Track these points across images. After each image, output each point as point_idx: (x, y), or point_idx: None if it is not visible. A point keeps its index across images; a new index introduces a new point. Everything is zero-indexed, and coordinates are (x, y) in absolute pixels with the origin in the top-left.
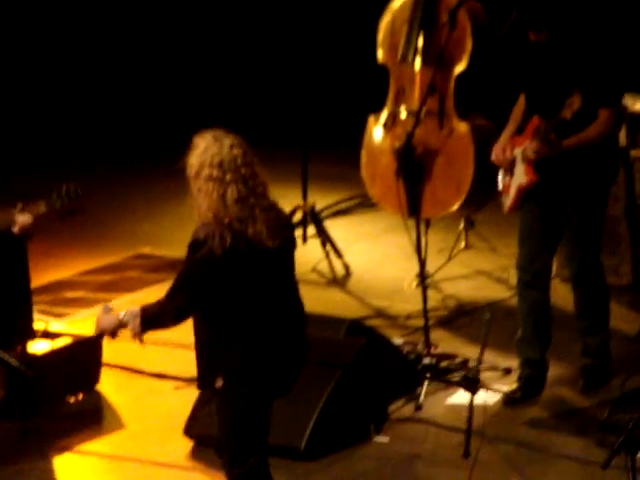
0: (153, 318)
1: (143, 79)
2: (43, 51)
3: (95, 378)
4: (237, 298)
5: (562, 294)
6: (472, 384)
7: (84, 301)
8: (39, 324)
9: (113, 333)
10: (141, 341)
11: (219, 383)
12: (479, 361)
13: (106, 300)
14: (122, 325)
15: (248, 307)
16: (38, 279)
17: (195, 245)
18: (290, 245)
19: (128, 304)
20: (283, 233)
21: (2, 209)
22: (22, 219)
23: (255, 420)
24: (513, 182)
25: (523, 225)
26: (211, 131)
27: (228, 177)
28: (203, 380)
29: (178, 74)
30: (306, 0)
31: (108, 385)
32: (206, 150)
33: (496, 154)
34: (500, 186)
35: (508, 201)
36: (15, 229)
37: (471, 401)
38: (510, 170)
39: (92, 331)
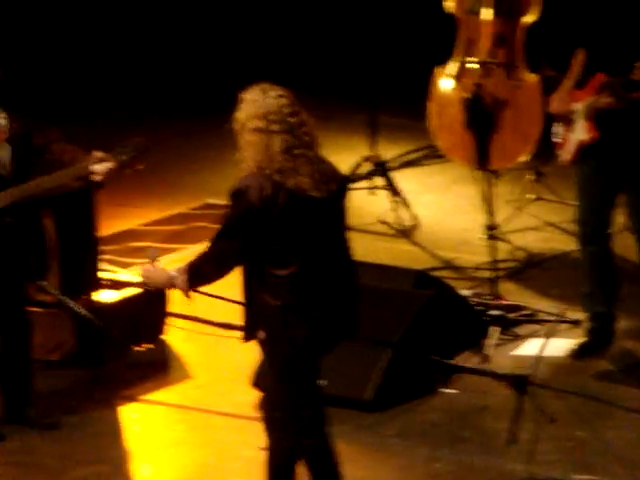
0: (198, 273)
1: (208, 28)
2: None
3: (161, 328)
4: (278, 248)
5: (631, 246)
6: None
7: (151, 250)
8: (106, 274)
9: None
10: (189, 297)
11: (261, 335)
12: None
13: (172, 250)
14: (172, 284)
15: (290, 258)
16: (106, 229)
17: (235, 195)
18: (339, 198)
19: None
20: (330, 185)
21: (85, 156)
22: (101, 167)
23: (300, 374)
24: (572, 137)
25: (581, 180)
26: (258, 85)
27: (274, 127)
28: (247, 332)
29: (241, 24)
30: None
31: (175, 335)
32: (252, 103)
33: (556, 106)
34: (557, 138)
35: (566, 155)
36: (94, 177)
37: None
38: (568, 124)
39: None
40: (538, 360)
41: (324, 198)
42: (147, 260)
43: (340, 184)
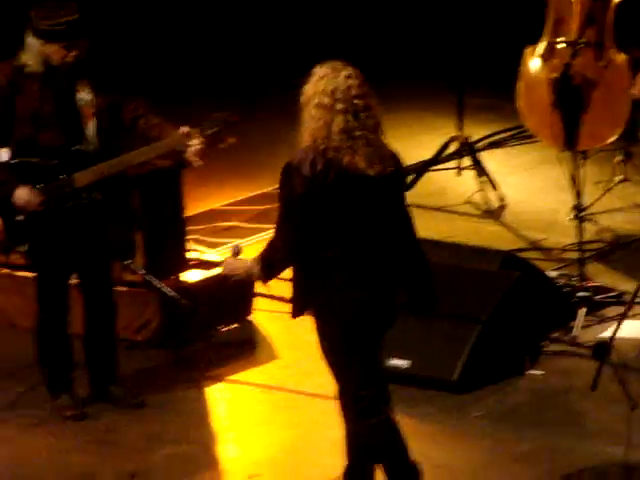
0: (270, 261)
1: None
2: None
3: (248, 308)
4: (328, 226)
5: None
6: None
7: (238, 230)
8: (193, 253)
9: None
10: (266, 285)
11: (310, 311)
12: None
13: (259, 230)
14: (250, 274)
15: (339, 236)
16: (192, 208)
17: (286, 169)
18: (395, 180)
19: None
20: (386, 166)
21: (173, 131)
22: (194, 146)
23: (353, 353)
24: None
25: None
26: (331, 61)
27: (339, 106)
28: (295, 309)
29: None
30: None
31: (261, 315)
32: (321, 78)
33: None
34: None
35: None
36: (189, 157)
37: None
38: None
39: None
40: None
41: (378, 177)
42: (230, 254)
43: (397, 169)
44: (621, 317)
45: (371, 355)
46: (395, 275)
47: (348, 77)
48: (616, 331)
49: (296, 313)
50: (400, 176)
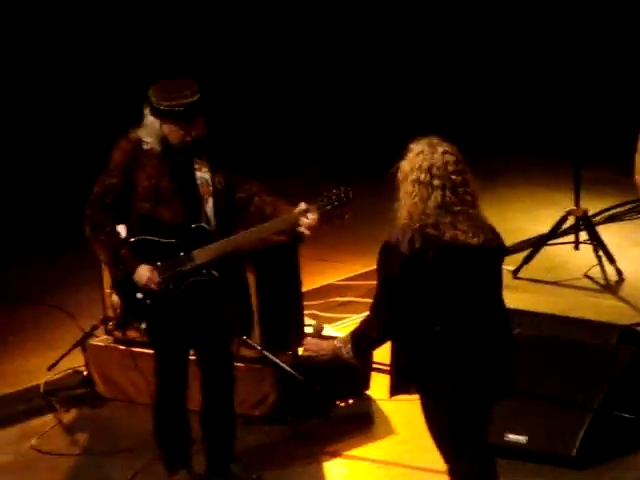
0: (364, 339)
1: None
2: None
3: (366, 382)
4: (430, 303)
5: None
6: None
7: (354, 305)
8: (310, 329)
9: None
10: (358, 365)
11: (411, 389)
12: None
13: None
14: (337, 354)
15: (443, 313)
16: (309, 283)
17: (385, 248)
18: (494, 253)
19: None
20: (488, 236)
21: (288, 208)
22: (308, 220)
23: (459, 429)
24: None
25: None
26: (427, 137)
27: (436, 182)
28: (394, 387)
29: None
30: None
31: (379, 390)
32: (418, 154)
33: None
34: None
35: None
36: (302, 229)
37: None
38: None
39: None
40: None
41: (480, 248)
42: (312, 332)
43: (498, 242)
44: None
45: (479, 431)
46: (500, 347)
47: (444, 153)
48: None
49: (394, 391)
50: (501, 249)
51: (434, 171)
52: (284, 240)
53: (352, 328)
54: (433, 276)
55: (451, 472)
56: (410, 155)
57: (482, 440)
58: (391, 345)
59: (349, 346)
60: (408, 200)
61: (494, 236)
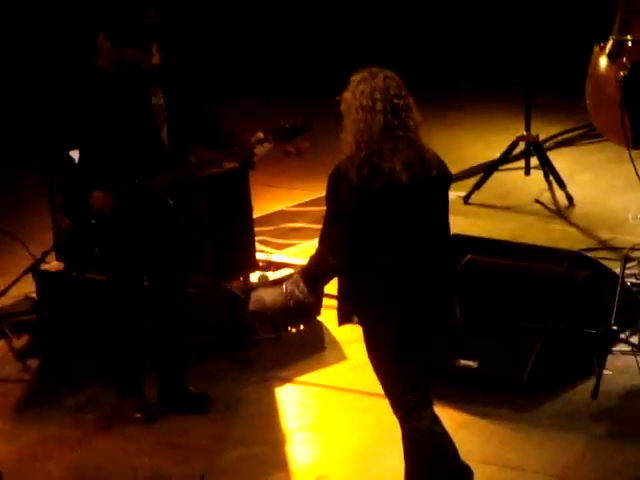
0: (315, 273)
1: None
2: None
3: (317, 309)
4: (375, 232)
5: None
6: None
7: (304, 231)
8: (260, 255)
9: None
10: (312, 301)
11: (355, 319)
12: None
13: None
14: (291, 297)
15: (387, 243)
16: (259, 209)
17: (333, 175)
18: (436, 184)
19: None
20: (428, 171)
21: (244, 139)
22: (264, 149)
23: (398, 359)
24: None
25: None
26: (367, 67)
27: (378, 106)
28: (341, 317)
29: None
30: None
31: (330, 316)
32: (360, 82)
33: None
34: None
35: None
36: (255, 158)
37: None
38: None
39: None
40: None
41: (419, 183)
42: (257, 283)
43: (441, 172)
44: None
45: (417, 362)
46: (443, 281)
47: (385, 78)
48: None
49: (342, 321)
50: (444, 179)
51: (376, 95)
52: (235, 167)
53: (298, 269)
54: (378, 205)
55: (388, 398)
56: (352, 85)
57: (420, 371)
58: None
59: (302, 285)
60: (353, 127)
61: (437, 165)
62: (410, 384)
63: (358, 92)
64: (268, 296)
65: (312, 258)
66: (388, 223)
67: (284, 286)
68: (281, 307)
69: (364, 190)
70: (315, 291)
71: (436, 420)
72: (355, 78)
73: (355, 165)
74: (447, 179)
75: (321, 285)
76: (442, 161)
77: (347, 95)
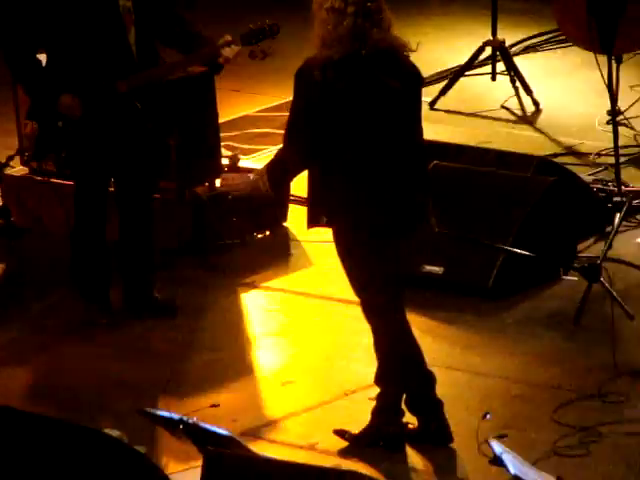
0: (278, 169)
1: None
2: None
3: (283, 215)
4: (340, 131)
5: None
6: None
7: (270, 136)
8: (227, 160)
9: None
10: (277, 196)
11: (323, 220)
12: None
13: None
14: (255, 187)
15: (346, 144)
16: (225, 114)
17: (298, 73)
18: (408, 88)
19: None
20: (393, 74)
21: (212, 42)
22: (230, 51)
23: (366, 260)
24: None
25: None
26: None
27: (350, 9)
28: (310, 218)
29: None
30: None
31: (296, 221)
32: None
33: None
34: None
35: None
36: (221, 60)
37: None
38: None
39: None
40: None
41: (386, 85)
42: (228, 163)
43: (411, 76)
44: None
45: (387, 264)
46: (415, 185)
47: None
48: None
49: (310, 223)
50: (414, 82)
51: None
52: (203, 70)
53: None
54: (342, 105)
55: (359, 298)
56: None
57: (388, 272)
58: (307, 176)
59: (265, 177)
60: (322, 28)
61: (408, 68)
62: (379, 286)
63: None
64: (236, 179)
65: (277, 153)
66: (352, 123)
67: (252, 175)
68: (246, 193)
69: (327, 89)
70: (277, 187)
71: (404, 325)
72: None
73: (320, 64)
74: (418, 82)
75: (283, 180)
76: (414, 64)
77: None
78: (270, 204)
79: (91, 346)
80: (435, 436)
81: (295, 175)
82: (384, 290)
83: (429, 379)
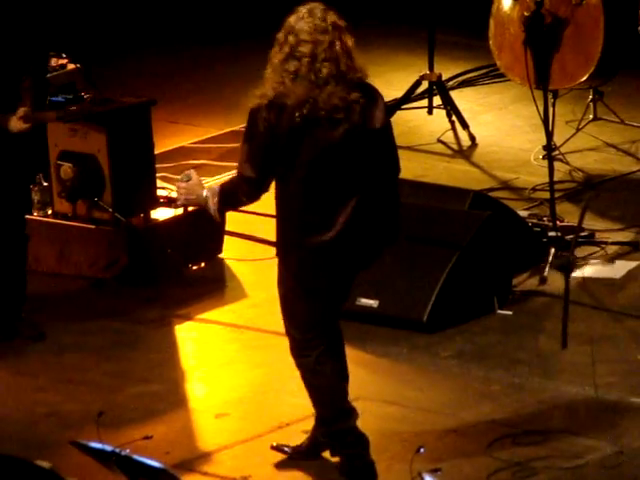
0: (230, 195)
1: None
2: None
3: (218, 247)
4: (292, 165)
5: None
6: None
7: (206, 168)
8: (161, 191)
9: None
10: (218, 219)
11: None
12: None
13: (228, 168)
14: (204, 202)
15: (295, 182)
16: (161, 146)
17: (251, 114)
18: (348, 132)
19: None
20: (351, 111)
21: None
22: (17, 126)
23: (294, 298)
24: None
25: None
26: (304, 5)
27: (302, 49)
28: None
29: None
30: None
31: (231, 254)
32: (295, 22)
33: None
34: None
35: None
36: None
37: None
38: None
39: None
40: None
41: (342, 125)
42: (181, 178)
43: (358, 120)
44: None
45: (316, 304)
46: (362, 223)
47: (323, 19)
48: (574, 246)
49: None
50: (361, 129)
51: (302, 36)
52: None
53: (223, 181)
54: (294, 142)
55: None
56: (285, 25)
57: (316, 312)
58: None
59: (216, 199)
60: (276, 69)
61: (358, 112)
62: (305, 325)
63: (287, 29)
64: (189, 189)
65: (231, 179)
66: (293, 164)
67: (204, 192)
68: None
69: (273, 128)
70: (223, 212)
71: (322, 360)
72: (290, 18)
73: (270, 105)
74: (368, 131)
75: (232, 206)
76: (373, 89)
77: (279, 34)
78: (206, 234)
79: (22, 377)
80: (360, 473)
81: (245, 204)
82: (308, 329)
83: (349, 415)
